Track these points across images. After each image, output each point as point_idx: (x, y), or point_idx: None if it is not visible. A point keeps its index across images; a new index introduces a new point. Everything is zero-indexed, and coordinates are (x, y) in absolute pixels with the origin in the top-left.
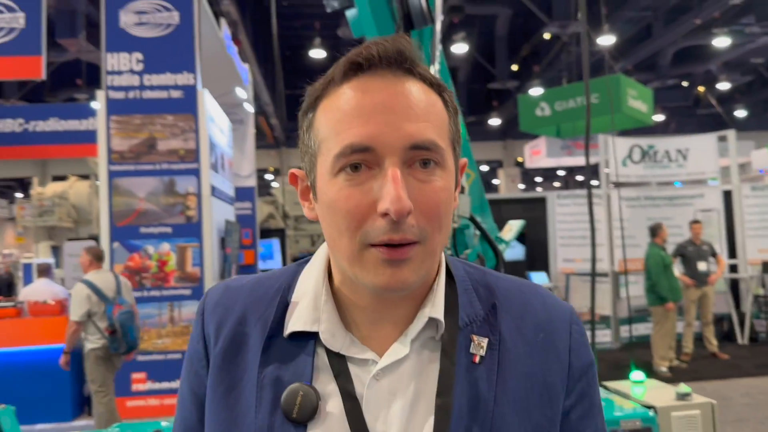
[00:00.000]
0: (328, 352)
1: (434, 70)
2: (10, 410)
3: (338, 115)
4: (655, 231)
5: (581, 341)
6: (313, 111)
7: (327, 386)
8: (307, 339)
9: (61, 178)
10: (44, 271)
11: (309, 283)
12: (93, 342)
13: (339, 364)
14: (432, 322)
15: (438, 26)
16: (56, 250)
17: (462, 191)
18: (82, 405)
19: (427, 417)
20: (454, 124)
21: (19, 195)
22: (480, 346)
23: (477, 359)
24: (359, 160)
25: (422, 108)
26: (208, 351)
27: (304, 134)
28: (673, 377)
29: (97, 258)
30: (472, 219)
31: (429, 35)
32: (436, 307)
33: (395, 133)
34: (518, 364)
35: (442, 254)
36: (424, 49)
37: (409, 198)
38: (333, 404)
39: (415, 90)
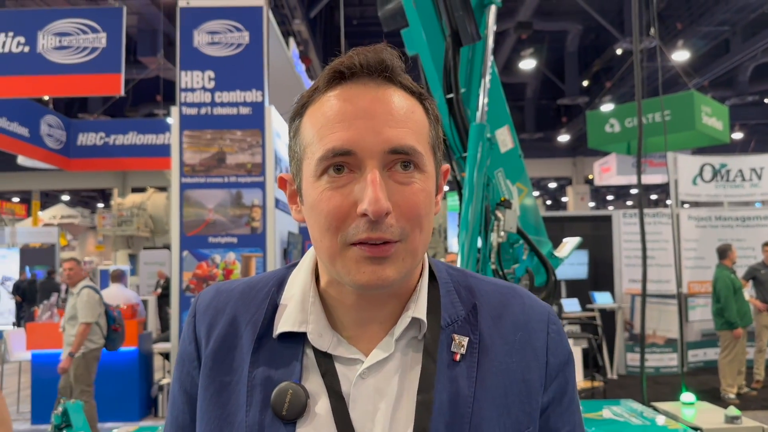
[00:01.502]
0: (316, 351)
1: (485, 82)
2: (79, 405)
3: (322, 121)
4: (723, 252)
5: (558, 340)
6: (300, 117)
7: (315, 385)
8: (296, 340)
9: (140, 189)
10: (118, 277)
11: (297, 286)
12: (95, 342)
13: (326, 363)
14: (415, 321)
15: (490, 41)
16: (133, 258)
17: (509, 206)
18: (149, 406)
19: (411, 413)
20: (434, 131)
21: (100, 205)
22: (460, 345)
23: (458, 357)
24: (341, 163)
25: (402, 114)
26: (200, 352)
27: (291, 140)
28: (741, 405)
29: (82, 269)
30: (519, 232)
31: (482, 49)
32: (419, 308)
33: (375, 137)
34: (497, 362)
35: (425, 256)
36: (476, 62)
37: (389, 200)
38: (321, 403)
39: (396, 97)
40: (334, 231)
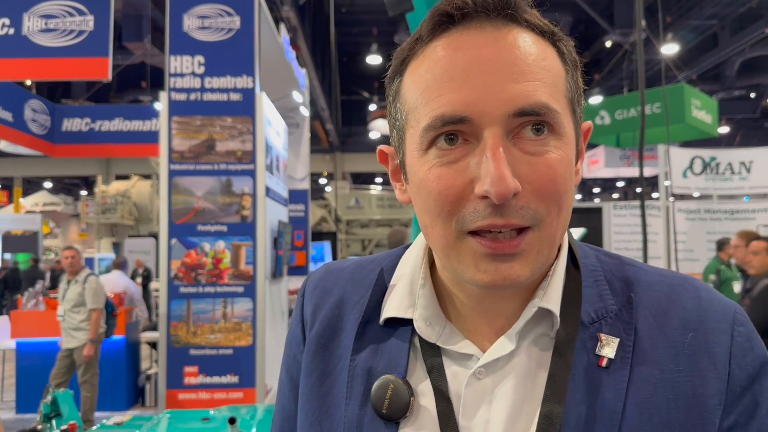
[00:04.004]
0: (423, 342)
1: None
2: (68, 394)
3: (427, 79)
4: (721, 245)
5: (748, 347)
6: (400, 77)
7: (422, 382)
8: (405, 326)
9: (124, 177)
10: (120, 265)
11: (408, 264)
12: (102, 327)
13: (432, 357)
14: (546, 315)
15: None
16: (117, 247)
17: None
18: (136, 395)
19: (532, 427)
20: (573, 80)
21: (83, 192)
22: (609, 346)
23: (604, 362)
24: (453, 132)
25: (530, 63)
26: (306, 335)
27: (391, 105)
28: None
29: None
30: None
31: None
32: (548, 297)
33: (496, 97)
34: (658, 370)
35: (565, 237)
36: None
37: (517, 175)
38: (428, 403)
39: (522, 41)
40: (447, 216)
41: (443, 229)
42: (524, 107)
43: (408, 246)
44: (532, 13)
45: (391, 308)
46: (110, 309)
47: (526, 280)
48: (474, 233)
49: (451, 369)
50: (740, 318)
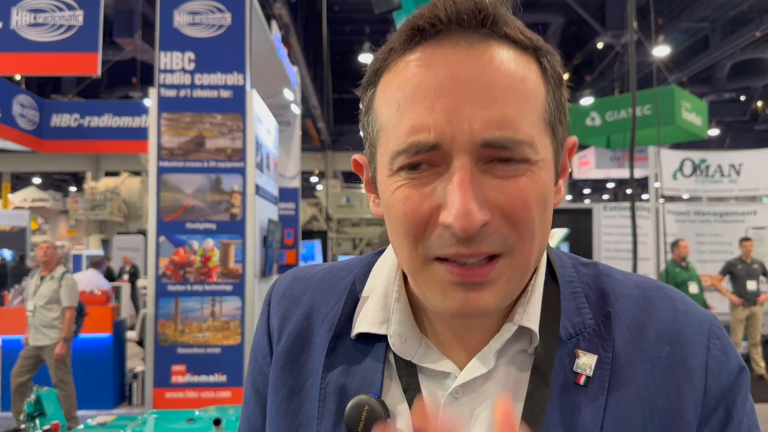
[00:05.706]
0: (398, 359)
1: None
2: (52, 393)
3: (398, 97)
4: (671, 247)
5: (723, 360)
6: (373, 88)
7: (398, 401)
8: (379, 341)
9: (113, 173)
10: (96, 263)
11: (381, 275)
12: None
13: (408, 375)
14: (524, 331)
15: None
16: (106, 244)
17: None
18: (122, 394)
19: None
20: (554, 100)
21: (72, 189)
22: (587, 364)
23: (581, 380)
24: (421, 160)
25: (506, 87)
26: (272, 347)
27: (364, 116)
28: None
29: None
30: None
31: None
32: (528, 314)
33: (465, 124)
34: (634, 386)
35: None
36: None
37: (486, 200)
38: (404, 424)
39: (499, 59)
40: (413, 240)
41: (410, 253)
42: (493, 139)
43: (380, 252)
44: (514, 25)
45: (364, 323)
46: (80, 309)
47: (496, 308)
48: (441, 259)
49: (427, 388)
50: (716, 330)
